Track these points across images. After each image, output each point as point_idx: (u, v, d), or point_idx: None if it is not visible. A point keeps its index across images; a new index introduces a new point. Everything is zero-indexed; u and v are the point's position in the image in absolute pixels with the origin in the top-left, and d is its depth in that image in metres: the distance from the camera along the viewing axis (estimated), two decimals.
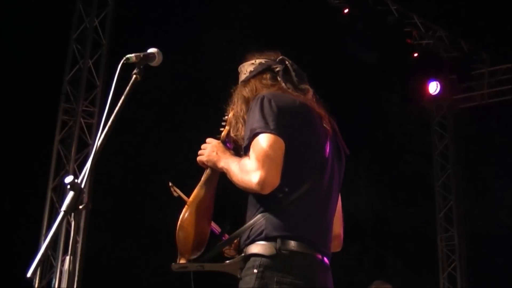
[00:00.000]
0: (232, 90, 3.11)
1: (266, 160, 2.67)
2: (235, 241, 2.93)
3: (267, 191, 2.69)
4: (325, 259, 2.83)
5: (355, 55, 10.81)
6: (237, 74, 3.17)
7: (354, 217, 10.54)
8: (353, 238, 10.44)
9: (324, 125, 2.95)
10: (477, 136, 11.58)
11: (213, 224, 3.00)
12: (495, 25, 10.38)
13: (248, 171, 2.69)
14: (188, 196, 2.95)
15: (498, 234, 11.14)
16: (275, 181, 2.69)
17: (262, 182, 2.65)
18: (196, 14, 9.51)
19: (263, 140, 2.71)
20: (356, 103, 11.11)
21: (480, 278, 11.27)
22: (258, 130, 2.74)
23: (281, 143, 2.72)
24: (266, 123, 2.74)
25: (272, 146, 2.70)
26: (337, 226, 3.10)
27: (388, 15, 10.55)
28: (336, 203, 3.01)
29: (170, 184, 3.02)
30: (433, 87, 11.44)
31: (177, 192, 3.00)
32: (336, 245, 3.11)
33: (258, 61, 3.12)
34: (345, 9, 10.36)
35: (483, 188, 11.77)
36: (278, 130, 2.73)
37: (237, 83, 3.12)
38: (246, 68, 3.11)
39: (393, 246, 11.72)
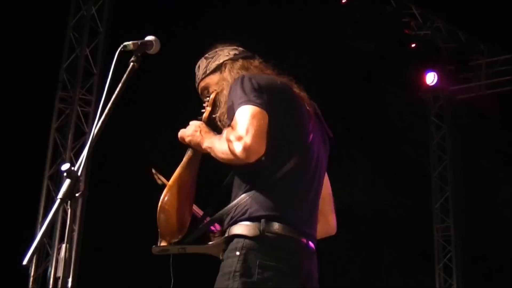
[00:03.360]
0: (206, 70, 3.08)
1: (249, 128, 2.60)
2: (219, 225, 2.89)
3: (252, 158, 2.61)
4: (310, 243, 2.77)
5: (353, 45, 10.80)
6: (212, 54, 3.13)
7: (350, 207, 10.56)
8: (349, 228, 10.49)
9: (307, 107, 2.91)
10: (474, 127, 11.59)
11: (195, 207, 2.94)
12: (493, 16, 10.37)
13: (231, 140, 2.61)
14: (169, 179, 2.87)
15: (494, 225, 11.16)
16: (260, 148, 2.62)
17: (247, 149, 2.57)
18: (195, 3, 9.49)
19: (246, 111, 2.65)
20: (353, 93, 11.11)
21: (476, 269, 11.29)
22: (240, 104, 2.68)
23: (264, 114, 2.66)
24: (248, 98, 2.69)
25: (255, 115, 2.64)
26: (329, 211, 3.05)
27: (386, 5, 10.53)
28: (321, 187, 2.93)
29: (153, 171, 2.96)
30: (431, 78, 11.43)
31: (161, 179, 2.92)
32: (329, 230, 3.08)
33: (240, 48, 3.12)
34: None
35: (480, 179, 11.78)
36: (261, 104, 2.68)
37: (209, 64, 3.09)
38: (228, 51, 3.09)
39: (389, 237, 11.74)
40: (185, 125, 2.96)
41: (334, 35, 10.60)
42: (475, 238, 11.34)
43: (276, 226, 2.65)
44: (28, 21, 8.46)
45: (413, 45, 11.15)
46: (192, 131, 2.88)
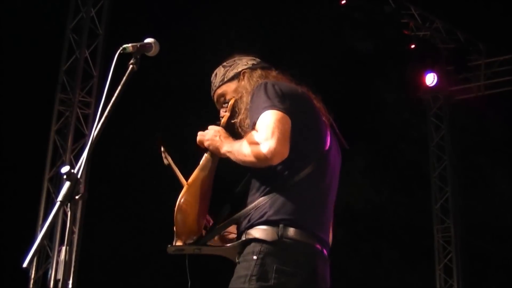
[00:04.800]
0: (224, 77, 3.10)
1: (275, 131, 2.64)
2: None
3: (276, 160, 2.65)
4: (324, 250, 2.80)
5: (352, 45, 10.81)
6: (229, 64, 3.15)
7: (350, 208, 10.56)
8: (349, 228, 10.49)
9: (323, 118, 2.94)
10: (473, 127, 11.59)
11: (207, 216, 2.94)
12: (492, 17, 10.38)
13: (256, 142, 2.65)
14: (187, 179, 2.86)
15: (495, 226, 11.16)
16: (285, 151, 2.65)
17: (272, 151, 2.61)
18: (194, 4, 9.49)
19: (270, 115, 2.69)
20: (352, 94, 11.11)
21: (476, 270, 11.29)
22: (265, 108, 2.71)
23: (287, 119, 2.70)
24: (272, 103, 2.72)
25: (280, 120, 2.68)
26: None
27: (385, 6, 10.53)
28: (335, 196, 2.96)
29: (162, 149, 2.94)
30: (430, 79, 11.43)
31: (168, 160, 2.90)
32: None
33: (257, 59, 3.15)
34: None
35: (479, 180, 11.79)
36: (285, 109, 2.71)
37: (227, 73, 3.11)
38: (247, 61, 3.12)
39: (389, 237, 11.74)
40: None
41: (333, 36, 10.60)
42: (475, 239, 11.34)
43: (293, 231, 2.68)
44: (27, 24, 8.47)
45: (412, 46, 11.16)
46: (212, 135, 2.90)
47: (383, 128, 11.52)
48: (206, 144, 2.91)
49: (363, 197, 11.25)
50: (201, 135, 2.95)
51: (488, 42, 11.31)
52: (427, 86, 11.53)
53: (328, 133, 2.93)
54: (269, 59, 3.16)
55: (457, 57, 11.25)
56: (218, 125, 2.98)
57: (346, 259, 10.68)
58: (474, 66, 11.52)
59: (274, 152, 2.62)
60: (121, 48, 2.45)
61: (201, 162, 2.92)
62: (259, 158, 2.64)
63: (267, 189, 2.75)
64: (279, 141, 2.62)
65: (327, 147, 2.88)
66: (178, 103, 9.10)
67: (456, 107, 11.85)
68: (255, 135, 2.68)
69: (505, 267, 10.97)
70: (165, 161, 2.91)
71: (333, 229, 3.06)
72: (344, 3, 10.32)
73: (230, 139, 2.85)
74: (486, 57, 11.44)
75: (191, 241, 2.81)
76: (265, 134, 2.64)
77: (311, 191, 2.77)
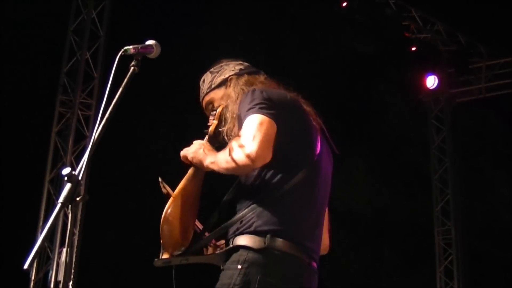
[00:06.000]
0: (211, 84, 3.07)
1: (256, 134, 2.59)
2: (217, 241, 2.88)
3: (258, 164, 2.60)
4: (313, 263, 2.76)
5: (354, 48, 10.81)
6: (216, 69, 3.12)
7: (351, 210, 10.55)
8: (350, 231, 10.48)
9: (314, 123, 2.91)
10: (474, 129, 11.59)
11: (196, 222, 2.92)
12: (493, 19, 10.38)
13: (237, 147, 2.60)
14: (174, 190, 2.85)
15: (495, 228, 11.16)
16: (267, 155, 2.60)
17: (253, 154, 2.55)
18: (195, 6, 9.50)
19: (254, 119, 2.65)
20: (354, 97, 11.12)
21: (477, 272, 11.28)
22: (249, 113, 2.68)
23: (272, 124, 2.65)
24: (259, 107, 2.69)
25: (263, 123, 2.64)
26: (324, 230, 2.98)
27: (386, 8, 10.54)
28: (326, 203, 2.92)
29: (160, 179, 2.91)
30: (431, 81, 11.44)
31: (166, 189, 2.88)
32: (321, 249, 3.00)
33: (245, 64, 3.11)
34: (344, 2, 10.34)
35: (480, 182, 11.78)
36: (270, 115, 2.67)
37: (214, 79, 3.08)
38: (234, 66, 3.08)
39: (390, 239, 11.74)
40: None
41: (334, 38, 10.61)
42: (476, 241, 11.34)
43: (280, 243, 2.65)
44: (28, 25, 8.47)
45: (413, 48, 11.15)
46: (195, 149, 2.86)
47: (384, 130, 11.52)
48: (189, 157, 2.87)
49: (364, 199, 11.25)
50: (184, 151, 2.91)
51: (489, 44, 11.32)
52: (428, 89, 11.54)
53: (319, 138, 2.89)
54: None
55: (458, 60, 11.25)
56: (206, 133, 2.96)
57: (347, 260, 10.68)
58: (475, 69, 11.52)
59: (255, 156, 2.57)
60: (122, 50, 2.44)
61: (187, 173, 2.89)
62: (241, 162, 2.59)
63: (256, 198, 2.72)
64: (261, 144, 2.58)
65: (317, 154, 2.84)
66: (180, 105, 9.09)
67: (457, 109, 11.86)
68: (237, 141, 2.63)
69: (505, 269, 10.95)
70: (164, 191, 2.88)
71: (331, 233, 3.04)
72: (345, 6, 10.32)
73: (214, 151, 2.81)
74: (487, 59, 11.45)
75: (178, 252, 2.79)
76: (247, 137, 2.60)
77: (301, 199, 2.73)
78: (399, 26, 10.91)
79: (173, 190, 2.86)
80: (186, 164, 2.92)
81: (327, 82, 9.76)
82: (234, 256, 2.68)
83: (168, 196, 2.84)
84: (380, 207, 11.55)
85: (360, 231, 11.34)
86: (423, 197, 11.73)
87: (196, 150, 2.85)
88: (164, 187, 2.89)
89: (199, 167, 2.85)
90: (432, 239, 11.41)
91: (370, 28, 10.68)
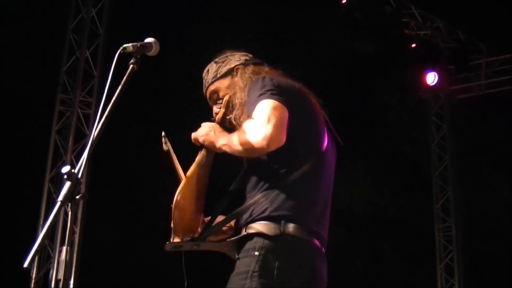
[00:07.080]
0: (217, 74, 3.05)
1: (271, 117, 2.59)
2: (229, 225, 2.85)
3: (273, 147, 2.59)
4: (323, 248, 2.78)
5: (353, 45, 10.81)
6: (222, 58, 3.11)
7: (351, 208, 10.56)
8: (350, 228, 10.48)
9: (319, 114, 2.91)
10: (474, 126, 11.59)
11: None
12: (492, 16, 10.37)
13: (252, 129, 2.60)
14: (183, 173, 2.81)
15: (495, 225, 11.15)
16: (281, 137, 2.59)
17: (268, 137, 2.55)
18: (194, 4, 9.49)
19: (267, 103, 2.65)
20: (353, 94, 11.11)
21: (477, 269, 11.29)
22: (261, 97, 2.68)
23: (284, 109, 2.65)
24: (270, 92, 2.69)
25: (276, 107, 2.64)
26: None
27: (386, 5, 10.54)
28: (330, 197, 2.91)
29: (163, 134, 2.91)
30: (431, 78, 11.43)
31: (167, 146, 2.86)
32: None
33: (249, 55, 3.11)
34: None
35: (480, 179, 11.78)
36: (282, 100, 2.67)
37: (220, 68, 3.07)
38: (239, 57, 3.08)
39: (390, 237, 11.74)
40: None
41: (334, 35, 10.60)
42: (476, 238, 11.34)
43: (294, 228, 2.65)
44: (28, 24, 8.47)
45: (413, 45, 11.15)
46: (206, 131, 2.85)
47: (383, 127, 11.52)
48: (201, 140, 2.86)
49: (364, 197, 11.24)
50: (195, 133, 2.90)
51: (489, 41, 11.32)
52: (428, 86, 11.53)
53: (325, 129, 2.89)
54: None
55: (458, 57, 11.24)
56: (213, 121, 2.94)
57: (347, 258, 10.68)
58: (475, 65, 11.52)
59: (270, 138, 2.56)
60: (121, 48, 2.44)
61: (197, 158, 2.87)
62: (256, 144, 2.59)
63: (266, 185, 2.71)
64: (276, 127, 2.58)
65: (324, 144, 2.85)
66: (180, 104, 9.09)
67: (457, 106, 11.86)
68: (250, 123, 2.63)
69: (506, 267, 10.95)
70: (164, 147, 2.88)
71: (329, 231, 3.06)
72: (345, 3, 10.31)
73: (225, 133, 2.80)
74: (487, 56, 11.44)
75: (188, 238, 2.76)
76: (261, 120, 2.60)
77: (309, 188, 2.74)
78: (398, 23, 10.91)
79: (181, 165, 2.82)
80: (196, 147, 2.89)
81: (325, 79, 9.76)
82: (249, 244, 2.67)
83: (167, 152, 2.81)
84: (380, 204, 11.55)
85: (360, 228, 11.34)
86: (423, 194, 11.73)
87: (207, 132, 2.84)
88: (165, 142, 2.88)
89: (210, 149, 2.84)
90: (432, 236, 11.41)
91: (370, 26, 10.68)
